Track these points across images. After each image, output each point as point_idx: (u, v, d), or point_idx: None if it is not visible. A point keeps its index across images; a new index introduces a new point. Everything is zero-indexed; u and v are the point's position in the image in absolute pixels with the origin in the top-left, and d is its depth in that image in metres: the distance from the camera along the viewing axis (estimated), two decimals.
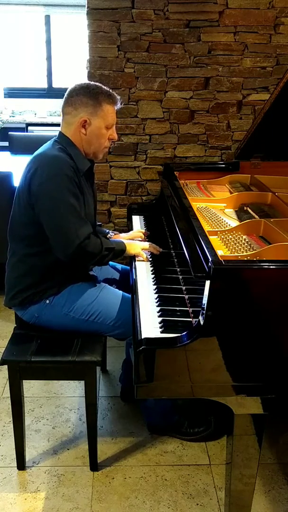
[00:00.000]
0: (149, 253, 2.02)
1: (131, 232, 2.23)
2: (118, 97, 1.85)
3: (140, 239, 2.16)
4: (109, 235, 2.16)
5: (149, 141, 2.73)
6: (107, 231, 2.20)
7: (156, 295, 1.71)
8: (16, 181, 2.76)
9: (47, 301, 1.85)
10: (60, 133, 1.85)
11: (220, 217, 1.97)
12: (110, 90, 1.83)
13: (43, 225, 1.74)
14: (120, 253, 1.91)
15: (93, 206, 1.98)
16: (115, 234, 2.19)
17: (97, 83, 1.84)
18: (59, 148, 1.80)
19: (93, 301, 1.85)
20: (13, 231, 1.88)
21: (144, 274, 1.87)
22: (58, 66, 5.63)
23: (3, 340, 2.71)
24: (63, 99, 1.83)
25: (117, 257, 1.94)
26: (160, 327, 1.49)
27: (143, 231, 2.23)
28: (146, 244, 2.01)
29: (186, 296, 1.66)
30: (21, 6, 5.27)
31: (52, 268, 1.82)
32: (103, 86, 1.83)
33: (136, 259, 1.98)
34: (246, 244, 1.70)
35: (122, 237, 2.15)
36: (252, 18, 2.53)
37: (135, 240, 2.11)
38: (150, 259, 1.99)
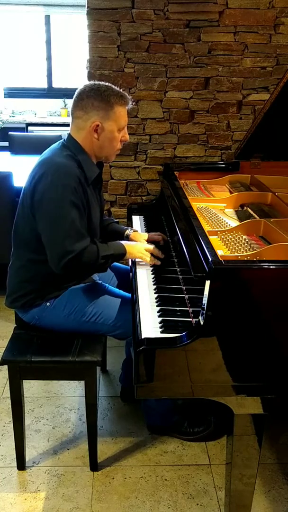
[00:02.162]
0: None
1: (152, 234, 2.12)
2: (129, 97, 1.79)
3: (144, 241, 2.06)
4: (127, 232, 2.08)
5: (149, 141, 2.73)
6: (125, 228, 2.12)
7: (156, 295, 1.71)
8: (16, 181, 2.76)
9: (48, 304, 1.85)
10: (70, 136, 1.79)
11: (220, 217, 1.97)
12: (121, 90, 1.77)
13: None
14: (120, 257, 1.85)
15: (99, 215, 1.93)
16: (133, 231, 2.09)
17: (107, 83, 1.77)
18: (67, 154, 1.73)
19: (93, 302, 1.85)
20: (18, 236, 1.84)
21: (144, 274, 1.87)
22: (58, 66, 5.64)
23: (3, 340, 2.71)
24: (73, 101, 1.77)
25: (117, 261, 1.91)
26: (160, 327, 1.49)
27: (163, 235, 2.12)
28: (150, 247, 1.91)
29: (186, 296, 1.66)
30: (21, 6, 5.28)
31: (56, 276, 1.77)
32: (113, 87, 1.76)
33: (137, 263, 1.90)
34: (246, 244, 1.70)
35: (142, 235, 2.07)
36: (252, 18, 2.53)
37: (137, 242, 2.03)
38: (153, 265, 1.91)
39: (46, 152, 1.80)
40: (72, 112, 1.79)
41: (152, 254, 1.90)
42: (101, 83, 1.77)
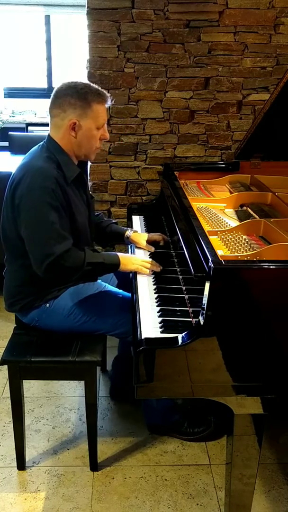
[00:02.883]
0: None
1: (151, 234, 2.11)
2: (108, 95, 1.77)
3: (142, 251, 2.04)
4: (127, 233, 2.08)
5: (149, 141, 2.73)
6: (125, 229, 2.11)
7: (156, 295, 1.71)
8: None
9: (47, 305, 1.85)
10: (49, 137, 1.78)
11: (220, 217, 1.97)
12: (99, 88, 1.75)
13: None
14: (112, 268, 1.82)
15: (87, 214, 1.89)
16: (133, 232, 2.07)
17: (85, 82, 1.75)
18: (46, 156, 1.73)
19: (93, 302, 1.85)
20: (6, 241, 1.83)
21: (144, 274, 1.87)
22: (58, 66, 5.63)
23: (3, 340, 2.71)
24: (50, 101, 1.75)
25: (110, 272, 1.87)
26: (160, 327, 1.49)
27: (164, 236, 2.12)
28: (148, 260, 1.87)
29: (186, 296, 1.66)
30: (21, 6, 5.27)
31: (50, 282, 1.78)
32: (91, 85, 1.75)
33: (138, 274, 1.85)
34: (246, 244, 1.70)
35: (143, 236, 2.06)
36: (252, 18, 2.53)
37: (137, 253, 2.01)
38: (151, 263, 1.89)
39: (26, 156, 1.80)
40: (49, 111, 1.77)
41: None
42: (79, 81, 1.75)
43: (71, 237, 1.72)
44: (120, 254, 1.84)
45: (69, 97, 1.71)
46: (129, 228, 2.14)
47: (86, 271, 1.73)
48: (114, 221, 2.20)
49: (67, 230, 1.72)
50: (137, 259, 1.88)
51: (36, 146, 1.82)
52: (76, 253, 1.70)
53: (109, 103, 1.78)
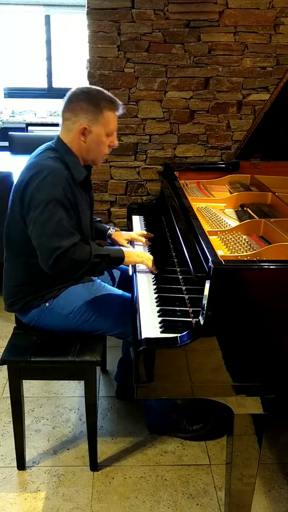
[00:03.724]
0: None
1: (132, 232, 2.18)
2: (120, 103, 1.80)
3: (141, 244, 2.10)
4: (109, 231, 2.12)
5: (149, 141, 2.73)
6: (108, 227, 2.15)
7: (156, 295, 1.71)
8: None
9: (47, 304, 1.85)
10: (58, 138, 1.80)
11: (220, 217, 1.97)
12: (112, 96, 1.79)
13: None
14: (117, 261, 1.83)
15: (89, 215, 1.92)
16: (115, 231, 2.12)
17: (99, 88, 1.79)
18: (55, 156, 1.74)
19: (93, 302, 1.85)
20: (10, 240, 1.83)
21: (144, 274, 1.87)
22: (58, 66, 5.64)
23: (3, 340, 2.71)
24: (63, 103, 1.78)
25: (115, 266, 1.89)
26: (160, 327, 1.49)
27: (145, 233, 2.17)
28: (151, 256, 1.90)
29: (186, 296, 1.66)
30: (21, 6, 5.28)
31: (51, 276, 1.77)
32: (105, 91, 1.78)
33: (137, 269, 1.88)
34: (246, 244, 1.70)
35: (123, 235, 2.11)
36: (252, 18, 2.53)
37: (136, 248, 2.03)
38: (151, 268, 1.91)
39: (33, 156, 1.80)
40: (62, 114, 1.79)
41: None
42: (93, 87, 1.79)
43: (78, 233, 1.74)
44: (124, 248, 1.88)
45: (82, 102, 1.73)
46: (111, 227, 2.17)
47: (93, 263, 1.73)
48: (98, 218, 2.22)
49: (74, 228, 1.74)
50: (141, 252, 1.91)
51: (43, 146, 1.82)
52: (83, 247, 1.72)
53: (120, 111, 1.81)
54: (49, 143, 1.83)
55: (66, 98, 1.77)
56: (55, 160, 1.74)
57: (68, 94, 1.77)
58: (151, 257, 1.90)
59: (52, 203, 1.66)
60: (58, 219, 1.66)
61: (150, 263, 1.87)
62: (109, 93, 1.79)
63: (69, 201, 1.71)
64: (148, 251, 2.05)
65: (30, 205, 1.69)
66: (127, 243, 2.10)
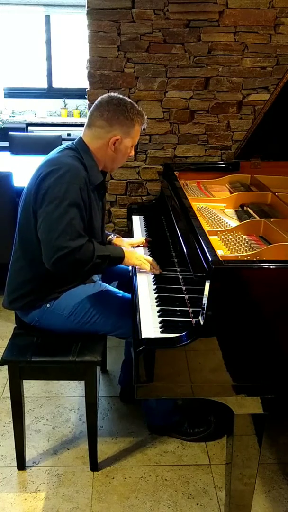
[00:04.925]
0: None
1: (133, 240, 2.17)
2: (146, 118, 1.85)
3: (142, 249, 2.10)
4: (110, 237, 2.12)
5: (149, 141, 2.73)
6: (109, 233, 2.16)
7: (156, 295, 1.71)
8: (16, 181, 2.76)
9: (48, 305, 1.85)
10: (81, 140, 1.81)
11: (220, 217, 1.97)
12: (140, 109, 1.83)
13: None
14: (118, 261, 1.84)
15: (100, 220, 1.93)
16: (116, 237, 2.14)
17: (131, 100, 1.81)
18: (74, 156, 1.75)
19: (93, 303, 1.85)
20: (21, 236, 1.84)
21: (144, 274, 1.87)
22: (58, 66, 5.64)
23: (3, 340, 2.71)
24: (95, 110, 1.78)
25: (115, 265, 1.89)
26: (160, 327, 1.49)
27: (145, 238, 2.18)
28: (150, 258, 1.90)
29: (186, 296, 1.66)
30: (21, 6, 5.28)
31: (58, 277, 1.78)
32: (135, 104, 1.82)
33: (138, 269, 1.89)
34: (246, 244, 1.70)
35: (125, 241, 2.12)
36: (252, 18, 2.53)
37: (136, 249, 2.04)
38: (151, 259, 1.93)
39: (52, 153, 1.81)
40: (92, 120, 1.80)
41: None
42: (126, 98, 1.82)
43: (86, 236, 1.74)
44: (124, 248, 1.89)
45: (119, 113, 1.76)
46: (112, 233, 2.18)
47: (95, 264, 1.74)
48: None
49: (83, 230, 1.74)
50: (141, 255, 1.92)
51: (63, 145, 1.84)
52: (87, 248, 1.72)
53: (145, 125, 1.86)
54: (69, 143, 1.84)
55: (99, 105, 1.79)
56: (75, 160, 1.75)
57: (102, 101, 1.79)
58: (150, 259, 1.90)
59: (66, 201, 1.66)
60: (70, 219, 1.66)
61: (148, 267, 1.87)
62: (138, 107, 1.83)
63: (83, 202, 1.72)
64: (149, 252, 2.05)
65: (44, 199, 1.68)
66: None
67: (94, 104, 1.81)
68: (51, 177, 1.68)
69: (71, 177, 1.68)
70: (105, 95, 1.81)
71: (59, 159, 1.75)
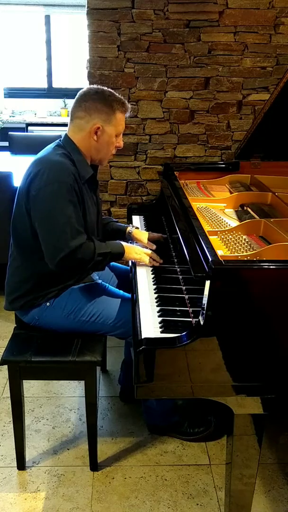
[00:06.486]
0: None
1: (154, 233, 2.14)
2: (129, 105, 1.84)
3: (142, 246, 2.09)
4: (129, 229, 2.09)
5: (149, 141, 2.73)
6: (126, 225, 2.13)
7: (156, 295, 1.71)
8: (16, 181, 2.76)
9: (47, 304, 1.85)
10: (67, 136, 1.82)
11: (220, 217, 1.97)
12: (123, 98, 1.82)
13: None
14: (118, 257, 1.86)
15: (96, 214, 1.94)
16: (135, 229, 2.10)
17: (110, 89, 1.81)
18: (62, 153, 1.76)
19: (93, 302, 1.85)
20: (16, 236, 1.84)
21: (144, 274, 1.87)
22: (58, 66, 5.64)
23: (3, 340, 2.71)
24: (75, 102, 1.80)
25: (116, 260, 1.91)
26: (160, 327, 1.49)
27: (161, 235, 2.15)
28: (149, 251, 1.93)
29: (186, 296, 1.66)
30: (21, 6, 5.29)
31: (55, 274, 1.78)
32: (115, 93, 1.81)
33: (137, 264, 1.92)
34: (246, 244, 1.70)
35: (145, 234, 2.07)
36: (252, 18, 2.53)
37: (136, 245, 2.04)
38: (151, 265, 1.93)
39: (41, 152, 1.82)
40: (72, 113, 1.81)
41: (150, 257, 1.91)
42: (105, 88, 1.81)
43: (84, 232, 1.76)
44: (123, 243, 1.89)
45: (97, 102, 1.76)
46: (130, 225, 2.16)
47: (96, 262, 1.77)
48: (114, 219, 2.22)
49: (81, 226, 1.75)
50: (140, 249, 1.93)
51: (51, 144, 1.84)
52: (88, 246, 1.74)
53: (128, 113, 1.85)
54: (57, 141, 1.85)
55: (78, 97, 1.80)
56: (63, 156, 1.75)
57: (81, 93, 1.80)
58: (149, 252, 1.92)
59: (61, 199, 1.67)
60: (67, 217, 1.68)
61: (147, 260, 1.89)
62: (119, 95, 1.82)
63: (76, 197, 1.73)
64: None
65: (36, 199, 1.69)
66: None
67: (74, 99, 1.82)
68: (41, 176, 1.69)
69: (61, 175, 1.69)
70: (84, 88, 1.82)
71: (47, 157, 1.76)
